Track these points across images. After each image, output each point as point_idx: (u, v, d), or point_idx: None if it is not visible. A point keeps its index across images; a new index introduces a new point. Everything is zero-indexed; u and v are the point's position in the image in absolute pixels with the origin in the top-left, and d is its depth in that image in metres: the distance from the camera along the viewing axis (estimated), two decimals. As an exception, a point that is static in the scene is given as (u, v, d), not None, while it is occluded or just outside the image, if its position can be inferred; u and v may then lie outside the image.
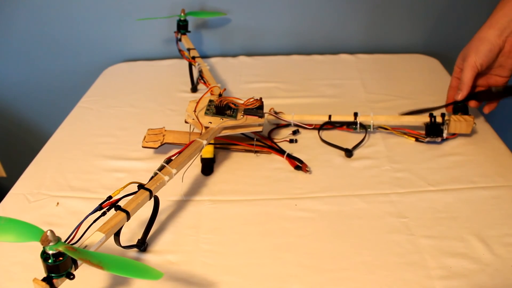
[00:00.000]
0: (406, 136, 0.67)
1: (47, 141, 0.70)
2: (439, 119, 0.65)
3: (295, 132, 0.69)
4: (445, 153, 0.64)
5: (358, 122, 0.68)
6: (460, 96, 0.64)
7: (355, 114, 0.68)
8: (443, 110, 0.68)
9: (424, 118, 0.66)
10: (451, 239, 0.51)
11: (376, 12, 0.93)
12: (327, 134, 0.69)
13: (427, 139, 0.66)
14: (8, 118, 1.07)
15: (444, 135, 0.65)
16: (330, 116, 0.69)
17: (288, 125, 0.71)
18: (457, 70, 0.68)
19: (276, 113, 0.71)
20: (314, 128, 0.70)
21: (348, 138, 0.68)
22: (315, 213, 0.55)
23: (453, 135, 0.67)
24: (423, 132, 0.67)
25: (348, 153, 0.65)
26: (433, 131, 0.66)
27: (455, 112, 0.66)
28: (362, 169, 0.62)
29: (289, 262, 0.49)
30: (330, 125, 0.69)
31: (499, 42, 0.61)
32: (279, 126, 0.71)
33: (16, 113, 1.07)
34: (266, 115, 0.70)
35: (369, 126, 0.68)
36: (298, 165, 0.62)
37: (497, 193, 0.57)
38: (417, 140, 0.67)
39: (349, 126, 0.69)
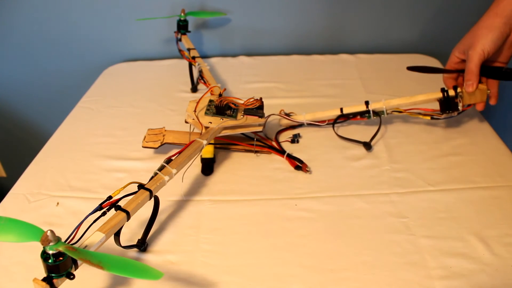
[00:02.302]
0: (421, 116, 0.66)
1: (47, 141, 0.70)
2: (451, 93, 0.64)
3: (295, 136, 0.69)
4: (445, 153, 0.64)
5: (371, 110, 0.66)
6: (471, 88, 0.62)
7: (367, 103, 0.67)
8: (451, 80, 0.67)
9: (437, 95, 0.64)
10: (451, 239, 0.51)
11: (376, 12, 0.93)
12: (330, 135, 0.69)
13: (443, 115, 0.65)
14: (8, 118, 1.07)
15: (460, 107, 0.63)
16: (342, 109, 0.68)
17: (301, 125, 0.71)
18: (455, 59, 0.65)
19: (287, 114, 0.71)
20: (328, 124, 0.70)
21: (361, 131, 0.68)
22: (315, 213, 0.55)
23: (469, 106, 0.65)
24: (438, 109, 0.65)
25: (367, 146, 0.65)
26: (448, 106, 0.64)
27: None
28: (362, 169, 0.62)
29: (289, 262, 0.49)
30: (343, 117, 0.69)
31: (507, 30, 0.60)
32: (292, 127, 0.71)
33: (16, 113, 1.07)
34: (278, 117, 0.71)
35: (383, 112, 0.67)
36: (298, 165, 0.62)
37: (497, 193, 0.57)
38: (432, 118, 0.66)
39: (363, 115, 0.68)
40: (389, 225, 0.53)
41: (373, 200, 0.57)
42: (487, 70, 0.63)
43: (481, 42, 0.60)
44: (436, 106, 0.66)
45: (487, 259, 0.48)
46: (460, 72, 0.66)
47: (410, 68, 0.68)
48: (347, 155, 0.65)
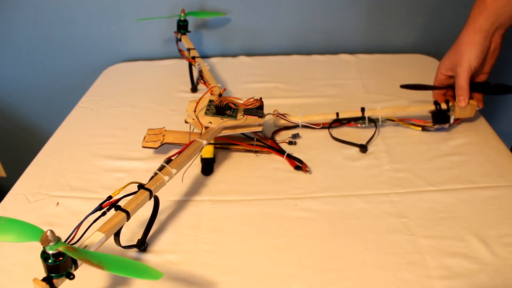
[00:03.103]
0: (413, 127, 0.69)
1: (47, 141, 0.70)
2: (443, 106, 0.67)
3: (295, 136, 0.69)
4: (445, 153, 0.65)
5: (367, 116, 0.68)
6: (463, 103, 0.65)
7: (362, 109, 0.69)
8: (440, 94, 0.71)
9: (429, 107, 0.68)
10: (451, 239, 0.51)
11: (376, 12, 0.93)
12: (335, 133, 0.69)
13: (436, 126, 0.67)
14: (8, 118, 1.07)
15: (451, 120, 0.67)
16: (337, 114, 0.69)
17: (295, 126, 0.71)
18: (442, 77, 0.69)
19: (281, 115, 0.71)
20: (322, 127, 0.70)
21: (356, 136, 0.68)
22: (315, 213, 0.55)
23: (457, 120, 0.68)
24: (430, 121, 0.68)
25: (363, 148, 0.65)
26: (440, 119, 0.67)
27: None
28: (362, 169, 0.62)
29: (289, 262, 0.49)
30: (338, 122, 0.70)
31: (487, 43, 0.63)
32: (286, 128, 0.71)
33: (16, 113, 1.07)
34: (272, 117, 0.71)
35: (377, 119, 0.68)
36: (298, 165, 0.62)
37: (497, 193, 0.57)
38: (423, 129, 0.68)
39: (357, 121, 0.69)
40: (389, 225, 0.53)
41: (373, 200, 0.57)
42: (476, 86, 0.67)
43: (466, 58, 0.63)
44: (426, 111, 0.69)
45: (487, 259, 0.48)
46: (450, 88, 0.69)
47: (403, 86, 0.71)
48: (347, 155, 0.65)
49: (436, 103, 0.67)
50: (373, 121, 0.69)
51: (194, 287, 0.47)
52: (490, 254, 0.49)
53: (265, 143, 0.66)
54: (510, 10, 0.62)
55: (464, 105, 0.65)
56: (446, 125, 0.67)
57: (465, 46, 0.64)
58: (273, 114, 0.70)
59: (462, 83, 0.64)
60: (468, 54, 0.63)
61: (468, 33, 0.64)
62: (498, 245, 0.50)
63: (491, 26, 0.62)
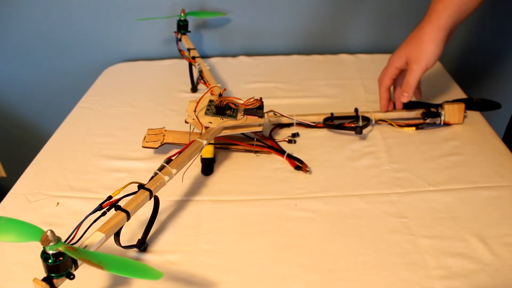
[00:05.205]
0: (407, 129, 0.69)
1: (47, 141, 0.70)
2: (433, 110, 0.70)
3: (294, 135, 0.69)
4: (445, 153, 0.65)
5: (360, 115, 0.69)
6: (406, 100, 0.65)
7: (356, 110, 0.70)
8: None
9: (421, 110, 0.70)
10: (451, 239, 0.51)
11: (376, 12, 0.94)
12: (329, 135, 0.69)
13: (428, 120, 0.68)
14: (8, 118, 1.07)
15: (442, 117, 0.68)
16: (332, 114, 0.70)
17: (290, 124, 0.71)
18: (394, 71, 0.67)
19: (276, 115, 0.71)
20: (315, 127, 0.70)
21: (353, 137, 0.68)
22: (315, 213, 0.55)
23: (447, 124, 0.70)
24: (421, 120, 0.70)
25: (359, 128, 0.66)
26: (431, 114, 0.69)
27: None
28: (362, 169, 0.62)
29: (289, 262, 0.49)
30: (331, 121, 0.70)
31: (447, 40, 0.62)
32: (281, 125, 0.71)
33: (16, 113, 1.07)
34: (267, 115, 0.71)
35: (371, 120, 0.70)
36: (298, 165, 0.62)
37: (497, 193, 0.57)
38: (417, 127, 0.69)
39: (351, 121, 0.69)
40: (389, 225, 0.53)
41: (373, 200, 0.57)
42: (459, 101, 0.69)
43: (427, 56, 0.61)
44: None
45: (487, 259, 0.48)
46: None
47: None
48: (347, 155, 0.65)
49: (427, 107, 0.69)
50: (367, 119, 0.69)
51: (194, 287, 0.47)
52: (490, 254, 0.49)
53: (265, 143, 0.66)
54: (471, 6, 0.60)
55: (406, 100, 0.65)
56: (438, 120, 0.69)
57: (428, 43, 0.61)
58: (268, 113, 0.70)
59: (413, 81, 0.63)
60: (429, 52, 0.61)
61: (431, 29, 0.61)
62: (498, 245, 0.50)
63: (452, 24, 0.60)
